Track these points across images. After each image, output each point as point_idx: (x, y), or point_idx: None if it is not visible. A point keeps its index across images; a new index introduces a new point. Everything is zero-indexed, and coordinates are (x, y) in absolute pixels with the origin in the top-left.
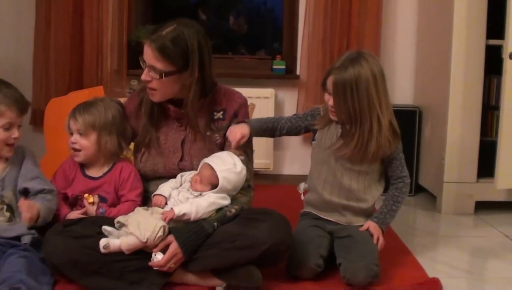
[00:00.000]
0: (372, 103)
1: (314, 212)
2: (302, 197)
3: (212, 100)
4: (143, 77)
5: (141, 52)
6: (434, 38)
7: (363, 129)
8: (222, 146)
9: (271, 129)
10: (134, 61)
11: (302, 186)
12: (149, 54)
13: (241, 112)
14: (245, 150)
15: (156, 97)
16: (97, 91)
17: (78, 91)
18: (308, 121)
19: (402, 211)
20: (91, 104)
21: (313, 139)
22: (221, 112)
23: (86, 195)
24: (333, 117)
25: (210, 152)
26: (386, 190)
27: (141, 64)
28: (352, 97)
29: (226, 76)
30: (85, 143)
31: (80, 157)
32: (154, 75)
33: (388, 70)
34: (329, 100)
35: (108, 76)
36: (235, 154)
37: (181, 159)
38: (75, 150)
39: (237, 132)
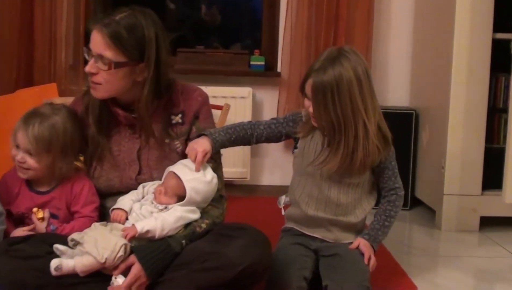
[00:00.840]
0: (357, 108)
1: (297, 228)
2: (283, 212)
3: (169, 102)
4: (88, 68)
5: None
6: (433, 31)
7: (348, 137)
8: (184, 153)
9: (242, 137)
10: None
11: (283, 199)
12: (98, 41)
13: (202, 113)
14: (211, 156)
15: (100, 92)
16: (50, 89)
17: (27, 88)
18: (290, 127)
19: (396, 227)
20: (46, 118)
21: (295, 147)
22: (179, 115)
23: (35, 209)
24: (314, 123)
25: (171, 161)
26: (378, 202)
27: (86, 55)
28: (333, 102)
29: (196, 73)
30: (35, 165)
31: (26, 175)
32: (102, 66)
33: (381, 67)
34: (309, 107)
35: (63, 71)
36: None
37: (139, 173)
38: (21, 167)
39: (198, 150)
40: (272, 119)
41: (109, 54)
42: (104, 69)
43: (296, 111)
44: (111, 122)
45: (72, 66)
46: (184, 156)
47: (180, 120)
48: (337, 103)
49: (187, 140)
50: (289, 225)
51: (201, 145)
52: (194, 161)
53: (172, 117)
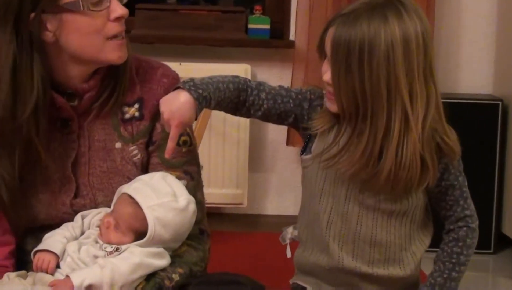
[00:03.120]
0: (396, 86)
1: (311, 289)
2: (289, 253)
3: (118, 86)
4: (122, 10)
5: None
6: None
7: (376, 128)
8: (145, 165)
9: (231, 102)
10: None
11: (290, 232)
12: None
13: None
14: (182, 167)
15: (125, 41)
16: None
17: None
18: (303, 109)
19: (473, 279)
20: None
21: (304, 151)
22: (136, 106)
23: None
24: (330, 105)
25: (124, 178)
26: (435, 240)
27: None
28: (360, 68)
29: (164, 42)
30: None
31: None
32: None
33: (449, 37)
34: (326, 72)
35: None
36: (175, 176)
37: (76, 195)
38: None
39: (169, 118)
40: (281, 87)
41: None
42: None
43: (318, 90)
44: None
45: None
46: (145, 170)
47: (136, 114)
48: (366, 71)
49: (149, 144)
50: (299, 279)
51: (177, 108)
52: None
53: (125, 109)
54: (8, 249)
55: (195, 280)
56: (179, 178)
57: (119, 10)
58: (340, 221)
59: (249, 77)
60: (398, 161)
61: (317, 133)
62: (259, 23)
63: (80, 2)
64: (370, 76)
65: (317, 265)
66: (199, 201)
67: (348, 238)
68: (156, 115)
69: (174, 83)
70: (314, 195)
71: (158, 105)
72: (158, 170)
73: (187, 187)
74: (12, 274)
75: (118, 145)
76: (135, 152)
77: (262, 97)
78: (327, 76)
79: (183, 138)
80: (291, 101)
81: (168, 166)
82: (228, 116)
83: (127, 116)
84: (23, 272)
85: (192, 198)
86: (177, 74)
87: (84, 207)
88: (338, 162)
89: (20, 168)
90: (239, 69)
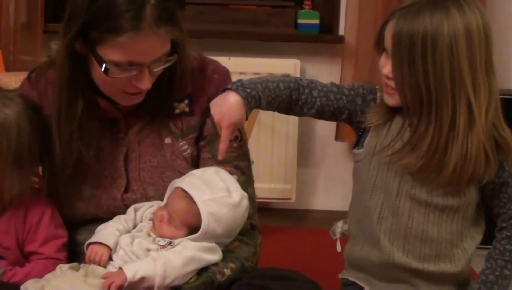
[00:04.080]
0: (460, 78)
1: (361, 284)
2: (339, 248)
3: (168, 82)
4: (147, 84)
5: None
6: None
7: (441, 121)
8: (195, 160)
9: (283, 101)
10: (55, 9)
11: (340, 227)
12: (149, 47)
13: None
14: (233, 163)
15: (142, 96)
16: None
17: None
18: (356, 105)
19: None
20: None
21: (357, 144)
22: (186, 101)
23: None
24: (388, 99)
25: (175, 172)
26: (487, 238)
27: (118, 69)
28: (424, 61)
29: (214, 37)
30: None
31: None
32: (164, 63)
33: (502, 36)
34: (385, 66)
35: (11, 34)
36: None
37: (127, 190)
38: None
39: (220, 119)
40: (333, 84)
41: (167, 46)
42: (167, 65)
43: (370, 85)
44: (83, 115)
45: (26, 26)
46: (195, 165)
47: (186, 109)
48: (430, 64)
49: (199, 139)
50: (349, 275)
51: (226, 109)
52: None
53: (175, 104)
54: (61, 242)
55: (247, 275)
56: (230, 173)
57: (144, 84)
58: (391, 216)
59: (298, 72)
60: (464, 154)
61: (370, 127)
62: (309, 18)
63: (104, 64)
64: (434, 69)
65: (367, 260)
66: (250, 196)
67: (399, 233)
68: (206, 110)
69: (225, 79)
70: (365, 189)
71: (208, 101)
72: (208, 165)
73: (238, 182)
74: (65, 266)
75: (167, 140)
76: (185, 147)
77: (315, 95)
78: (386, 69)
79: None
80: (344, 97)
81: (218, 161)
82: None
83: (177, 111)
84: (76, 264)
85: (245, 194)
86: (227, 70)
87: (135, 202)
88: (404, 157)
89: (72, 164)
90: (288, 64)
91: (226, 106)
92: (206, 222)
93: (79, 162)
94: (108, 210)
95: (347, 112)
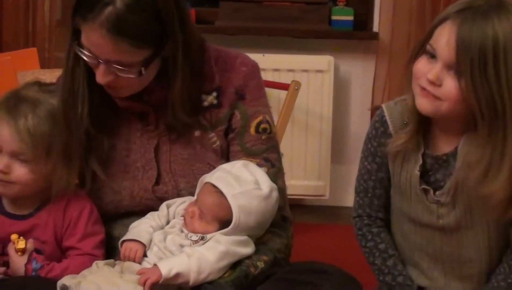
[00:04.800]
0: None
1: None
2: None
3: (197, 75)
4: (102, 79)
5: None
6: None
7: (506, 134)
8: (225, 152)
9: None
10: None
11: None
12: (101, 45)
13: (249, 90)
14: (263, 155)
15: (125, 93)
16: (26, 57)
17: None
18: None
19: None
20: (39, 104)
21: None
22: (214, 94)
23: (14, 236)
24: (424, 104)
25: (205, 164)
26: None
27: (83, 57)
28: (496, 70)
29: (248, 33)
30: (26, 177)
31: (9, 192)
32: (124, 73)
33: None
34: (431, 70)
35: (46, 31)
36: (256, 163)
37: (158, 181)
38: (3, 180)
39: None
40: (359, 174)
41: (127, 57)
42: (131, 76)
43: (377, 117)
44: (115, 109)
45: (61, 22)
46: (224, 157)
47: (215, 102)
48: (503, 72)
49: (228, 131)
50: None
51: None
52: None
53: (203, 97)
54: (99, 239)
55: (282, 270)
56: (259, 165)
57: (98, 77)
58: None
59: (332, 69)
60: None
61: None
62: (343, 15)
63: (76, 41)
64: (507, 76)
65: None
66: (281, 188)
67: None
68: (234, 102)
69: (253, 71)
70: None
71: (236, 93)
72: (238, 158)
73: (268, 174)
74: (101, 263)
75: (197, 133)
76: (214, 139)
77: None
78: (432, 74)
79: (262, 125)
80: (376, 170)
81: (248, 154)
82: (310, 107)
83: (205, 104)
84: (111, 260)
85: (274, 186)
86: (256, 63)
87: (166, 194)
88: (488, 186)
89: (104, 160)
90: (322, 61)
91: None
92: (237, 215)
93: (112, 154)
94: (141, 202)
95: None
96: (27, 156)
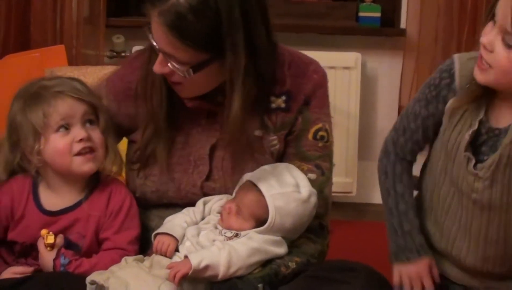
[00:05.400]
0: None
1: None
2: None
3: (267, 79)
4: (157, 68)
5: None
6: None
7: None
8: (280, 155)
9: None
10: (118, 3)
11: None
12: (160, 36)
13: (316, 97)
14: (315, 161)
15: (184, 92)
16: (54, 54)
17: (20, 53)
18: (438, 109)
19: None
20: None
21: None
22: (283, 97)
23: (44, 231)
24: (478, 74)
25: (257, 166)
26: None
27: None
28: None
29: (279, 30)
30: (102, 139)
31: (97, 162)
32: (177, 69)
33: None
34: (487, 35)
35: (74, 29)
36: (306, 169)
37: (208, 178)
38: (85, 151)
39: None
40: (405, 113)
41: (180, 54)
42: (180, 74)
43: (447, 67)
44: (182, 102)
45: (89, 19)
46: (278, 159)
47: (282, 105)
48: None
49: (288, 135)
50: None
51: None
52: None
53: (271, 99)
54: (134, 234)
55: (311, 268)
56: (310, 171)
57: (156, 65)
58: (465, 216)
59: (359, 66)
60: None
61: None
62: (370, 11)
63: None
64: None
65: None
66: (326, 197)
67: (472, 234)
68: (301, 108)
69: (323, 80)
70: (437, 185)
71: (304, 100)
72: (291, 160)
73: (316, 181)
74: (130, 258)
75: (258, 133)
76: (275, 142)
77: (401, 141)
78: (486, 39)
79: (321, 133)
80: (427, 115)
81: (302, 158)
82: (337, 104)
83: (273, 106)
84: (140, 256)
85: (314, 191)
86: (325, 72)
87: (214, 191)
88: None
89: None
90: (349, 58)
91: None
92: (273, 215)
93: (168, 145)
94: (186, 196)
95: (433, 123)
96: (93, 115)
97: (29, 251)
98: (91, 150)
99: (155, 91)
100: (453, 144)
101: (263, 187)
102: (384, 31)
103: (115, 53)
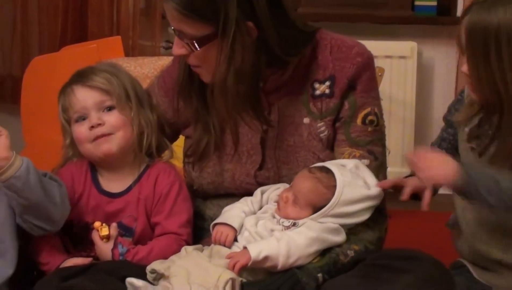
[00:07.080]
0: None
1: (469, 267)
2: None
3: (311, 62)
4: (175, 49)
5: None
6: None
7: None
8: (331, 142)
9: None
10: None
11: (453, 218)
12: (169, 11)
13: (361, 81)
14: (367, 147)
15: (205, 76)
16: (111, 45)
17: (78, 44)
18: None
19: None
20: (101, 69)
21: None
22: (327, 83)
23: (97, 224)
24: (472, 94)
25: (311, 153)
26: None
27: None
28: (499, 57)
29: (328, 20)
30: (118, 120)
31: (115, 145)
32: (183, 43)
33: None
34: (463, 64)
35: (130, 20)
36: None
37: (261, 167)
38: (103, 136)
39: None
40: (442, 134)
41: (187, 28)
42: (186, 48)
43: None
44: None
45: (144, 11)
46: (330, 146)
47: (327, 91)
48: (505, 59)
49: (336, 121)
50: (461, 258)
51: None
52: None
53: (316, 85)
54: (185, 218)
55: (371, 256)
56: (362, 157)
57: (174, 47)
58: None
59: (415, 55)
60: None
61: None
62: (426, 0)
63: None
64: (510, 65)
65: (465, 248)
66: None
67: (483, 222)
68: (345, 92)
69: (368, 62)
70: None
71: (348, 84)
72: (342, 147)
73: (370, 167)
74: (190, 248)
75: (306, 120)
76: (323, 128)
77: None
78: (464, 67)
79: (370, 117)
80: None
81: (352, 144)
82: (394, 94)
83: (317, 92)
84: (199, 246)
85: (382, 193)
86: (371, 54)
87: (268, 180)
88: (493, 155)
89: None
90: (405, 47)
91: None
92: (337, 198)
93: (220, 137)
94: (241, 186)
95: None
96: (114, 99)
97: (85, 234)
98: (107, 134)
99: (193, 88)
100: (464, 151)
101: (334, 169)
102: (440, 19)
103: (170, 44)
